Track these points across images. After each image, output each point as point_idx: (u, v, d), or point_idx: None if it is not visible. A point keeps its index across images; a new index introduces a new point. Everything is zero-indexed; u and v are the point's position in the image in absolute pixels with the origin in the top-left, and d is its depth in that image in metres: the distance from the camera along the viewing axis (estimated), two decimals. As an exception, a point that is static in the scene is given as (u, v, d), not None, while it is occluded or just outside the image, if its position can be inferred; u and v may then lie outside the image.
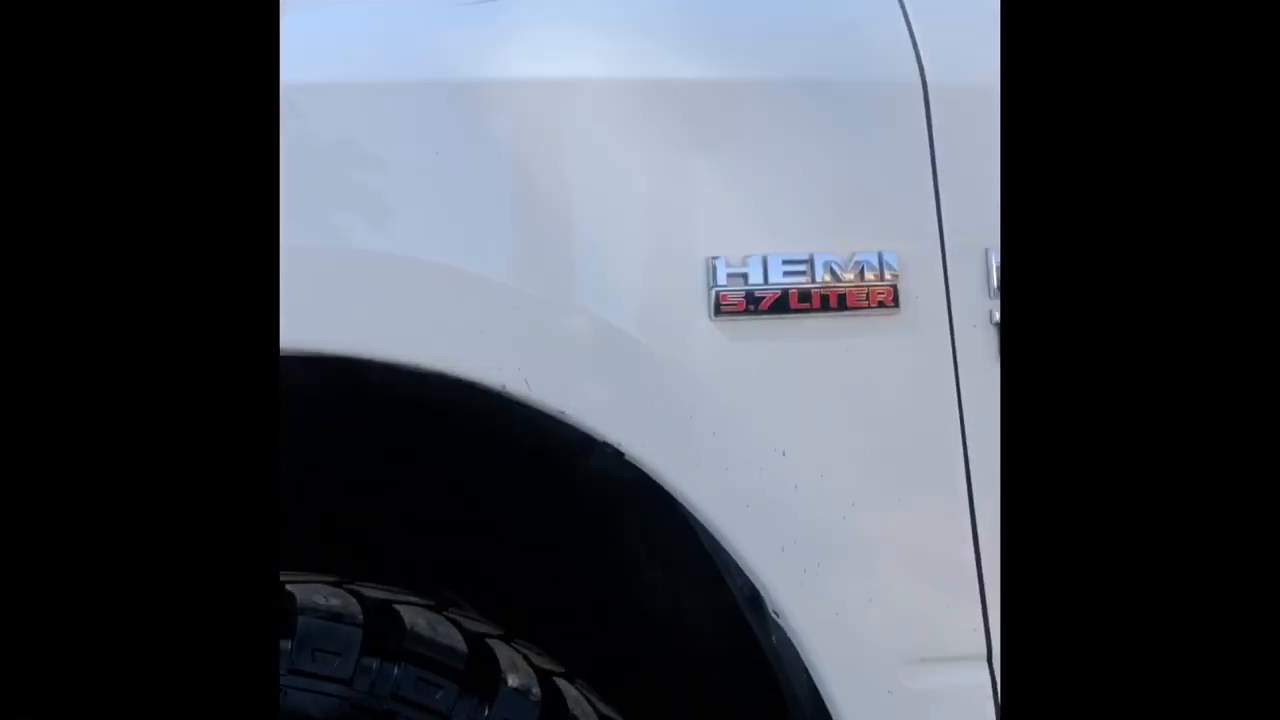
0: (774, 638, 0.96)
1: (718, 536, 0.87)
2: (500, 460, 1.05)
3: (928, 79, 0.88)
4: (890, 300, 0.86)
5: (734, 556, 0.87)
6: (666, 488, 0.85)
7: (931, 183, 0.87)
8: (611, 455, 0.85)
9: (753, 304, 0.84)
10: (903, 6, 0.91)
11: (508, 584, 1.24)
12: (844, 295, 0.85)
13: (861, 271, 0.86)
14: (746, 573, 0.88)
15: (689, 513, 0.87)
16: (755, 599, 0.95)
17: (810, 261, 0.85)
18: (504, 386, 0.80)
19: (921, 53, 0.89)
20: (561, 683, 0.87)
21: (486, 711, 0.80)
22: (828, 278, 0.85)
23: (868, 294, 0.85)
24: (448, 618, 0.87)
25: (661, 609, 1.24)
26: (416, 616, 0.85)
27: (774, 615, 0.89)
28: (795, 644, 0.89)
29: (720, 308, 0.84)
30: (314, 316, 0.79)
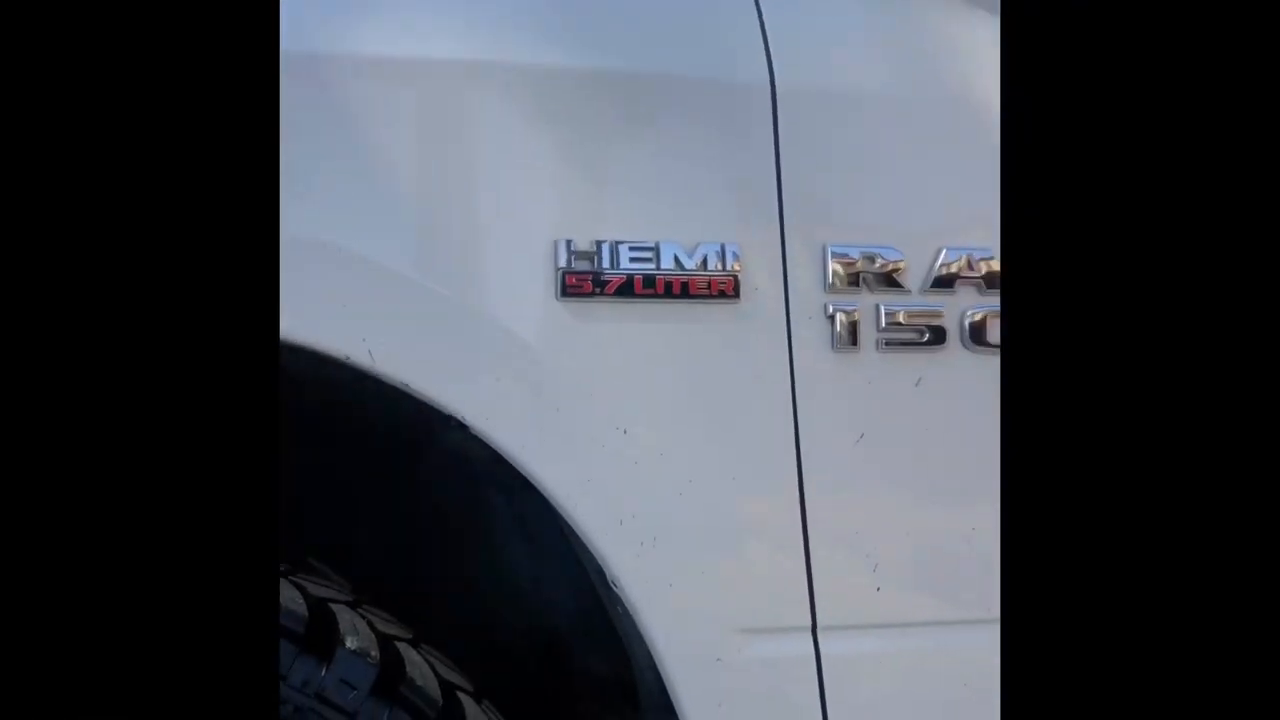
0: (619, 608, 1.00)
1: (560, 510, 0.90)
2: (358, 432, 1.06)
3: (776, 81, 0.93)
4: (731, 290, 0.90)
5: (575, 529, 0.91)
6: (511, 461, 0.88)
7: (775, 180, 0.92)
8: (457, 429, 0.88)
9: (599, 287, 0.88)
10: (759, 10, 0.95)
11: (368, 556, 1.25)
12: (687, 283, 0.89)
13: (705, 261, 0.90)
14: (587, 545, 0.92)
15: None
16: (602, 571, 0.99)
17: (656, 249, 0.89)
18: (348, 357, 0.82)
19: (773, 56, 0.94)
20: (404, 647, 0.90)
21: (324, 672, 0.82)
22: (672, 266, 0.89)
23: (710, 283, 0.90)
24: (292, 581, 0.89)
25: (521, 581, 1.28)
26: (259, 579, 0.86)
27: (613, 586, 0.93)
28: (632, 614, 0.93)
29: (566, 289, 0.87)
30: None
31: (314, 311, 0.82)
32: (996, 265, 0.95)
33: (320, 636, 0.85)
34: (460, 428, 0.87)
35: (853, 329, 0.93)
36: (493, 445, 0.88)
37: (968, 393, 0.95)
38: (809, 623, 0.95)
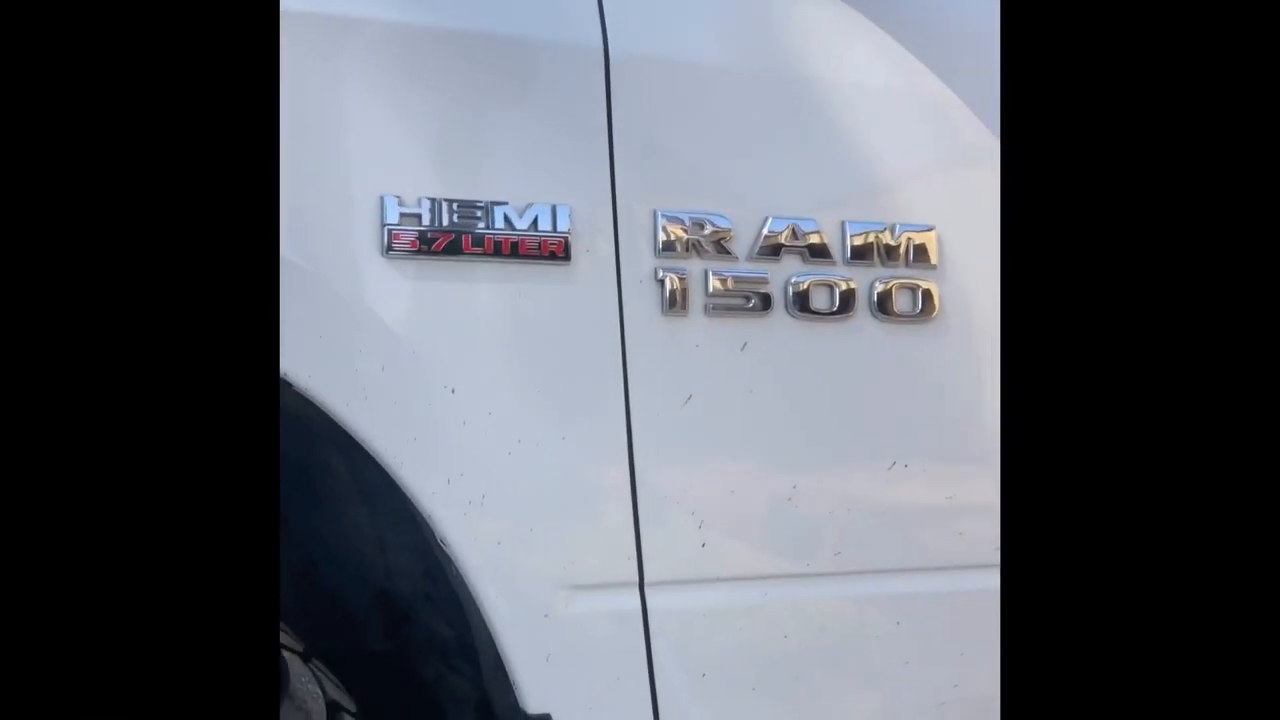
0: (451, 568, 1.01)
1: (386, 468, 0.90)
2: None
3: (610, 46, 0.94)
4: (562, 252, 0.91)
5: (403, 489, 0.91)
6: (335, 419, 0.88)
7: (607, 144, 0.93)
8: (283, 386, 0.87)
9: (425, 244, 0.87)
10: (594, -26, 0.96)
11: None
12: (517, 244, 0.90)
13: (535, 222, 0.91)
14: (415, 505, 0.92)
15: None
16: (434, 534, 0.99)
17: (486, 208, 0.90)
18: (160, 310, 0.80)
19: (607, 19, 0.95)
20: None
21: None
22: (502, 225, 0.90)
23: (540, 244, 0.91)
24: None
25: (362, 544, 1.27)
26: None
27: (442, 544, 0.94)
28: (462, 572, 0.94)
29: (392, 246, 0.87)
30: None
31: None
32: (820, 236, 0.99)
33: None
34: (285, 385, 0.86)
35: (682, 293, 0.95)
36: (318, 404, 0.87)
37: (791, 357, 0.99)
38: (636, 578, 0.97)
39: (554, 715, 0.96)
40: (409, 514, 0.96)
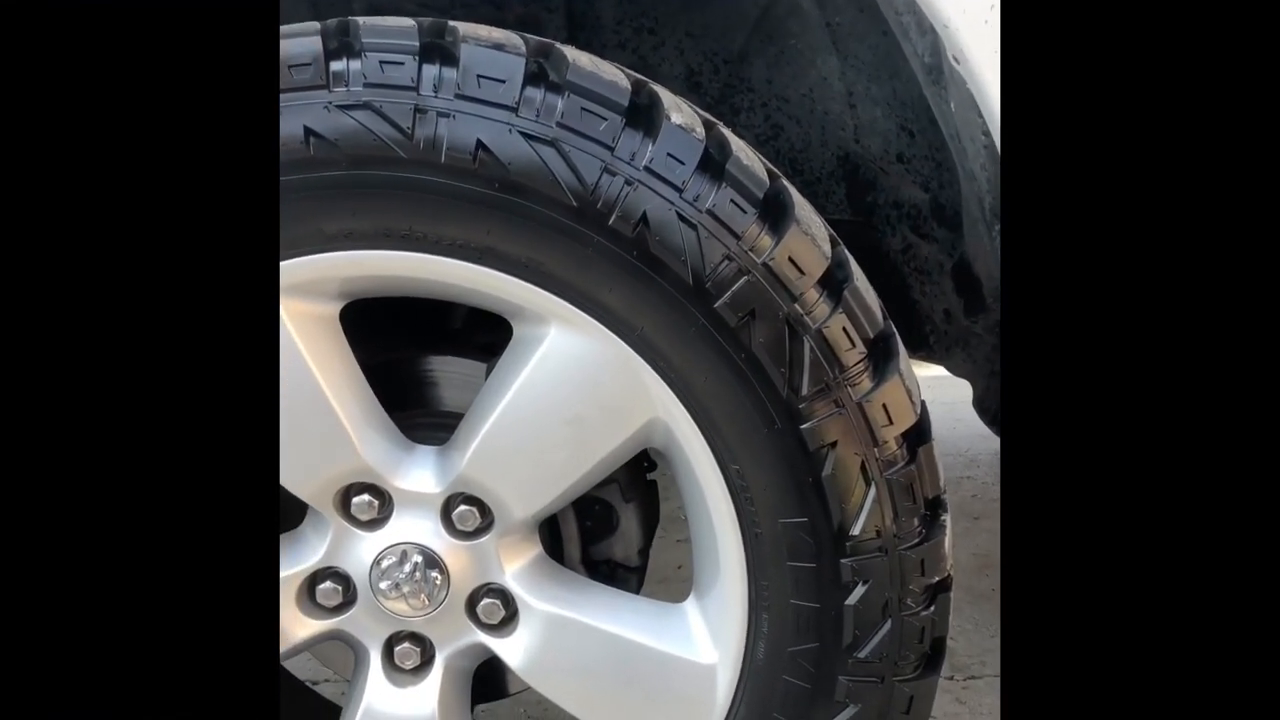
0: (952, 105, 0.91)
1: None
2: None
3: None
4: None
5: (917, -6, 0.80)
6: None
7: None
8: None
9: None
10: None
11: (668, 71, 1.21)
12: None
13: None
14: (929, 13, 0.81)
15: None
16: (935, 66, 0.89)
17: None
18: None
19: None
20: (727, 131, 0.86)
21: (650, 145, 0.80)
22: None
23: None
24: (612, 63, 0.85)
25: (831, 103, 1.20)
26: (578, 55, 0.83)
27: (955, 62, 0.83)
28: (973, 89, 0.83)
29: None
30: None
31: None
32: None
33: (644, 111, 0.82)
34: None
35: None
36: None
37: None
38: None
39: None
40: (922, 46, 0.86)
